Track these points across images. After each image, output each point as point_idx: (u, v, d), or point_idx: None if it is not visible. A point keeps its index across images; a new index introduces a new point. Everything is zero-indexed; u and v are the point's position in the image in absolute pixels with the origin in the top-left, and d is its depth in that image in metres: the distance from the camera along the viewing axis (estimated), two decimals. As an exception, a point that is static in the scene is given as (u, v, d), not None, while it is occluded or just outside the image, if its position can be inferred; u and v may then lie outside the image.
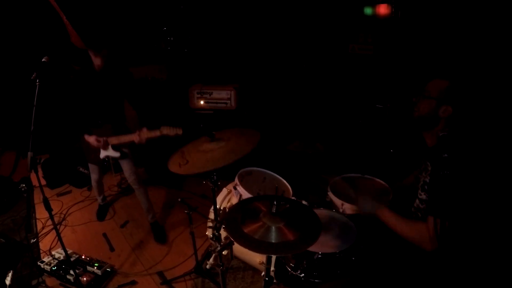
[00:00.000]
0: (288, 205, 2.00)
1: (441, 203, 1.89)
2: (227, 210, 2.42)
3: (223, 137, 2.38)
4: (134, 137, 3.19)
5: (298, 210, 2.04)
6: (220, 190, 3.03)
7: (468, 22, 3.49)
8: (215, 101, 4.65)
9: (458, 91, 2.03)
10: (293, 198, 2.77)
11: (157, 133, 3.10)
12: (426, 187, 2.08)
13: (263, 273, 2.53)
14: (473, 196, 1.96)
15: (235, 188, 2.75)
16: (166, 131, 3.07)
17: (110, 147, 3.34)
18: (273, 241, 1.77)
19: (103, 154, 3.39)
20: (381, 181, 3.12)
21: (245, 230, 1.81)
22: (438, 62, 3.73)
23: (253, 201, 2.10)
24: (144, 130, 3.15)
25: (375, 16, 4.26)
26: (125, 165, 3.54)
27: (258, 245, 1.75)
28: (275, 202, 1.89)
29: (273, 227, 1.83)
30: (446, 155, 1.76)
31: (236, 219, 1.90)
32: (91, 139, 3.26)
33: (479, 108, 3.30)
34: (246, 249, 1.74)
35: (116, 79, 3.32)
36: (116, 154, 3.38)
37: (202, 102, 4.66)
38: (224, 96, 4.60)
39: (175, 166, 2.18)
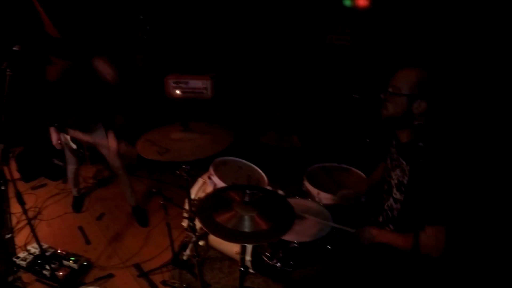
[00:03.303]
0: (261, 194, 1.98)
1: (439, 209, 1.75)
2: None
3: (196, 128, 2.36)
4: (111, 145, 3.23)
5: (271, 200, 2.02)
6: (195, 180, 3.03)
7: (445, 13, 3.52)
8: (191, 90, 4.59)
9: (433, 83, 1.83)
10: (268, 187, 2.77)
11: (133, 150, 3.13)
12: (403, 188, 1.93)
13: (240, 263, 2.55)
14: (459, 193, 1.83)
15: (209, 178, 2.74)
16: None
17: (68, 138, 3.32)
18: (246, 230, 1.77)
19: (73, 144, 3.40)
20: (357, 171, 3.15)
21: (218, 220, 1.79)
22: (416, 53, 3.76)
23: (227, 190, 2.08)
24: (123, 144, 3.17)
25: (353, 7, 4.24)
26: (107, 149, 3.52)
27: (230, 234, 1.74)
28: (247, 191, 1.87)
29: (246, 216, 1.82)
30: (421, 144, 1.64)
31: (209, 209, 1.87)
32: (54, 135, 3.25)
33: (455, 98, 3.34)
34: (221, 240, 1.74)
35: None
36: (73, 145, 3.35)
37: (178, 92, 4.60)
38: (200, 85, 4.54)
39: (152, 154, 2.15)
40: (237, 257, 2.64)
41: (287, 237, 2.18)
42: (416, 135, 1.86)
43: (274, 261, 2.26)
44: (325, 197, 2.67)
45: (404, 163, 1.93)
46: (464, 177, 1.94)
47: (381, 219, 2.16)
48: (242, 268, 2.07)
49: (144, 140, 2.28)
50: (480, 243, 3.04)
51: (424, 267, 1.86)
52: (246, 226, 1.78)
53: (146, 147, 2.20)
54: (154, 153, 2.11)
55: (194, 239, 2.32)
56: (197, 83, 4.55)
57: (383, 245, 1.96)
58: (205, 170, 2.97)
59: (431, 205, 1.75)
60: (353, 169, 3.18)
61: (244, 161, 3.13)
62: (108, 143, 3.41)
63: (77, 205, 4.05)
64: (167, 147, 2.13)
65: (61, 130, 3.33)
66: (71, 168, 3.79)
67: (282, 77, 4.86)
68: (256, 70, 4.96)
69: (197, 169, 2.95)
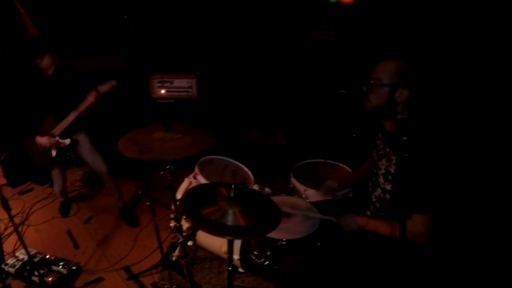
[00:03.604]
0: (246, 189, 1.98)
1: (426, 197, 1.78)
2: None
3: (178, 128, 2.35)
4: (75, 112, 3.16)
5: (257, 198, 2.03)
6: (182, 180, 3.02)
7: (428, 7, 3.53)
8: (176, 89, 4.56)
9: (413, 71, 1.87)
10: (255, 185, 2.76)
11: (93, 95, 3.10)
12: (390, 177, 1.96)
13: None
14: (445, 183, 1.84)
15: (195, 177, 2.72)
16: (103, 89, 3.08)
17: (58, 138, 3.26)
18: (229, 224, 1.77)
19: (54, 151, 3.32)
20: (345, 166, 3.15)
21: (203, 212, 1.80)
22: (400, 47, 3.77)
23: (213, 186, 2.08)
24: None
25: (337, 2, 4.26)
26: (91, 157, 3.51)
27: (213, 226, 1.75)
28: (233, 186, 1.88)
29: (230, 211, 1.83)
30: (405, 138, 1.63)
31: (194, 201, 1.89)
32: (43, 140, 3.19)
33: (439, 86, 3.35)
34: (210, 240, 1.73)
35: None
36: (66, 141, 3.29)
37: (163, 91, 4.57)
38: (185, 84, 4.52)
39: (134, 153, 2.14)
40: (226, 256, 2.63)
41: (274, 235, 2.17)
42: (401, 127, 1.80)
43: (262, 259, 2.25)
44: (312, 194, 2.67)
45: (391, 152, 1.97)
46: (448, 167, 1.95)
47: (369, 213, 2.17)
48: (230, 268, 2.06)
49: (126, 139, 2.26)
50: (465, 231, 3.08)
51: (410, 254, 1.86)
52: (229, 220, 1.79)
53: (127, 146, 2.18)
54: (135, 152, 2.10)
55: (181, 239, 2.30)
56: (182, 82, 4.53)
57: (369, 233, 1.98)
58: (192, 169, 2.96)
59: (417, 193, 1.77)
60: (340, 164, 3.18)
61: (230, 159, 3.11)
62: (93, 150, 3.46)
63: (65, 209, 4.01)
64: (149, 147, 2.12)
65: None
66: (58, 184, 3.80)
67: (267, 74, 4.86)
68: (241, 67, 4.96)
69: (184, 169, 2.95)
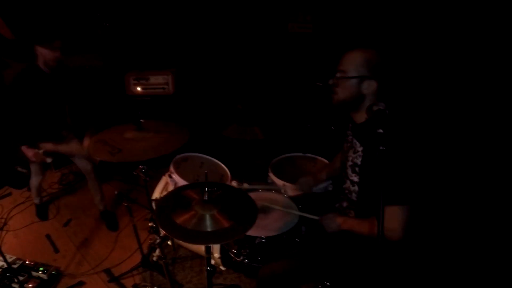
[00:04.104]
0: (220, 191, 1.95)
1: (400, 188, 1.71)
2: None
3: (150, 127, 2.32)
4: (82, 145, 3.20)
5: (232, 195, 2.00)
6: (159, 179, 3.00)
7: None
8: (152, 86, 4.51)
9: (382, 61, 1.82)
10: (233, 182, 2.73)
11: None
12: (357, 169, 1.93)
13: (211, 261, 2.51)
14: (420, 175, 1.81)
15: (170, 176, 2.68)
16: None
17: (42, 154, 3.23)
18: (208, 229, 1.73)
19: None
20: (324, 160, 3.14)
21: (177, 221, 1.75)
22: (377, 38, 3.78)
23: (184, 189, 2.04)
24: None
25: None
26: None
27: (192, 235, 1.71)
28: (206, 189, 1.83)
29: (207, 215, 1.79)
30: (381, 130, 1.52)
31: (167, 210, 1.83)
32: (29, 152, 3.17)
33: (409, 77, 3.37)
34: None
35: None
36: (48, 159, 3.28)
37: (139, 89, 4.51)
38: (161, 81, 4.47)
39: (104, 154, 2.10)
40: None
41: (253, 232, 2.15)
42: (375, 119, 1.71)
43: (241, 257, 2.23)
44: (291, 188, 2.65)
45: (358, 144, 1.94)
46: (422, 158, 1.94)
47: (345, 204, 2.14)
48: (208, 268, 2.03)
49: (96, 140, 2.22)
50: (440, 226, 3.11)
51: (390, 253, 1.84)
52: (208, 226, 1.75)
53: (98, 147, 2.15)
54: (105, 153, 2.06)
55: (158, 240, 2.28)
56: (158, 79, 4.48)
57: (348, 233, 1.96)
58: (167, 167, 2.92)
59: (390, 185, 1.64)
60: (319, 158, 3.17)
61: (206, 156, 3.08)
62: (82, 147, 3.39)
63: (42, 213, 3.95)
64: (120, 147, 2.08)
65: (32, 146, 3.25)
66: (36, 179, 3.71)
67: (244, 68, 4.83)
68: (218, 61, 4.91)
69: (164, 167, 2.91)
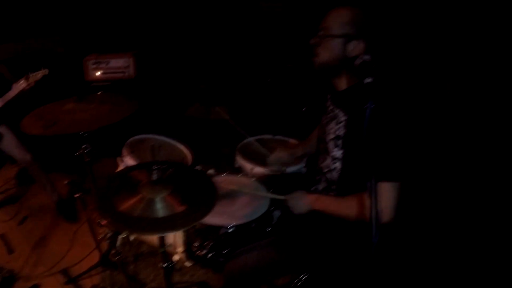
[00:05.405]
0: (172, 170, 1.70)
1: (392, 161, 1.50)
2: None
3: (94, 99, 2.11)
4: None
5: (186, 175, 1.76)
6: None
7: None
8: (112, 70, 4.27)
9: (370, 19, 1.62)
10: (197, 167, 2.50)
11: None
12: (340, 142, 1.71)
13: (174, 256, 2.25)
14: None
15: (122, 160, 2.44)
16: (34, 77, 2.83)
17: None
18: (158, 215, 1.49)
19: None
20: (295, 141, 2.95)
21: (121, 208, 1.49)
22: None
23: (128, 172, 1.79)
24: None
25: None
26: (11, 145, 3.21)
27: (139, 224, 1.45)
28: (154, 167, 1.57)
29: (157, 199, 1.54)
30: (369, 79, 1.32)
31: (108, 197, 1.56)
32: None
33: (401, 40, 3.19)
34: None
35: None
36: None
37: (98, 73, 4.25)
38: (122, 64, 4.23)
39: (37, 129, 1.86)
40: (169, 249, 2.36)
41: (217, 221, 1.92)
42: (366, 94, 1.41)
43: (204, 251, 1.99)
44: (260, 171, 2.44)
45: (342, 113, 1.71)
46: (414, 126, 1.73)
47: (322, 186, 1.89)
48: (165, 265, 1.76)
49: (31, 115, 1.99)
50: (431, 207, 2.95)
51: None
52: (159, 211, 1.51)
53: (31, 122, 1.92)
54: (38, 128, 1.82)
55: (109, 234, 2.01)
56: (118, 62, 4.24)
57: (324, 216, 1.73)
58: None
59: (381, 156, 1.44)
60: (291, 140, 2.98)
61: (165, 138, 2.84)
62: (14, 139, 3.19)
63: None
64: (55, 120, 1.84)
65: None
66: None
67: (208, 46, 4.65)
68: (182, 41, 4.72)
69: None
